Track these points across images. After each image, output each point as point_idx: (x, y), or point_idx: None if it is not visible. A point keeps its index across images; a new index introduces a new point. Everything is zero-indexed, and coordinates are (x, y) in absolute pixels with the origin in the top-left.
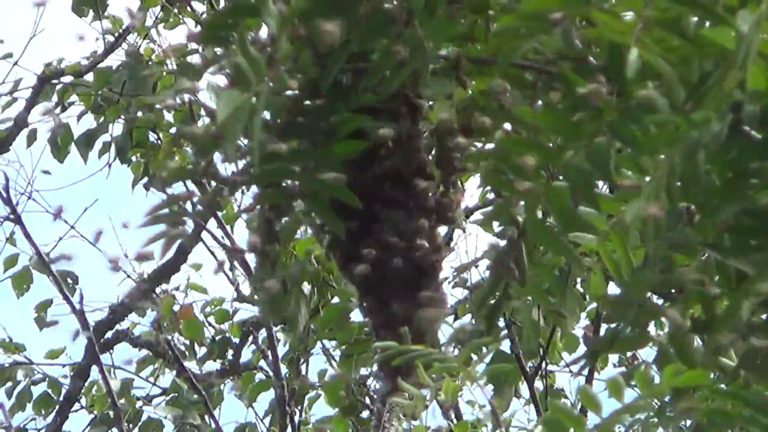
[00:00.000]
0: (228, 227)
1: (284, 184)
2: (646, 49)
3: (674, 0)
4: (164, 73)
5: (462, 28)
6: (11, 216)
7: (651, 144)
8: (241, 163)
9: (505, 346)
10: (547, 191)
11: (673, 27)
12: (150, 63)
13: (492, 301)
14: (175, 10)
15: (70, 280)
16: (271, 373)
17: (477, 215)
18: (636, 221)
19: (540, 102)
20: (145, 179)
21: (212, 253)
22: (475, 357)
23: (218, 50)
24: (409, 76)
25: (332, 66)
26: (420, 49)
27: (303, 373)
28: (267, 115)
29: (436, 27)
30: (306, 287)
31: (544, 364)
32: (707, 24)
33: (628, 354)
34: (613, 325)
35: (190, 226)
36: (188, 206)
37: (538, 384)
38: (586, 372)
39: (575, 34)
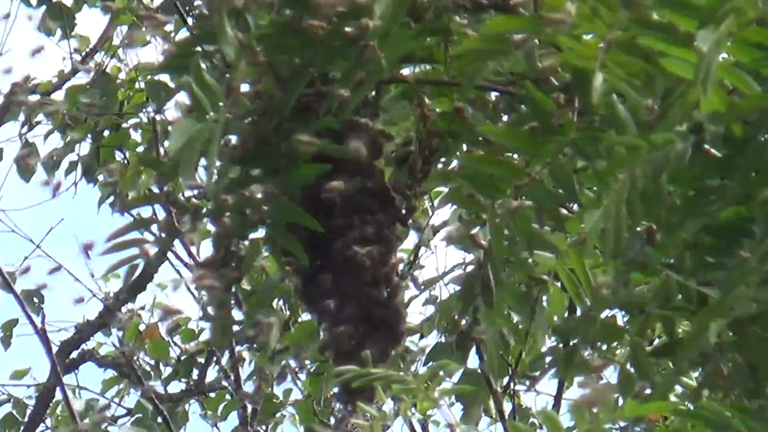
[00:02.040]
0: (195, 246)
1: (245, 212)
2: (610, 73)
3: (636, 23)
4: (130, 94)
5: (421, 51)
6: None
7: (616, 165)
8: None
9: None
10: (511, 210)
11: (636, 50)
12: (118, 81)
13: (462, 327)
14: (144, 29)
15: (35, 300)
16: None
17: (444, 232)
18: (595, 231)
19: (502, 121)
20: (111, 198)
21: (178, 273)
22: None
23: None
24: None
25: (293, 90)
26: (377, 69)
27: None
28: (233, 139)
29: (391, 44)
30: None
31: (512, 383)
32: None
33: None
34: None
35: (153, 249)
36: (154, 228)
37: (508, 403)
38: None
39: (537, 56)
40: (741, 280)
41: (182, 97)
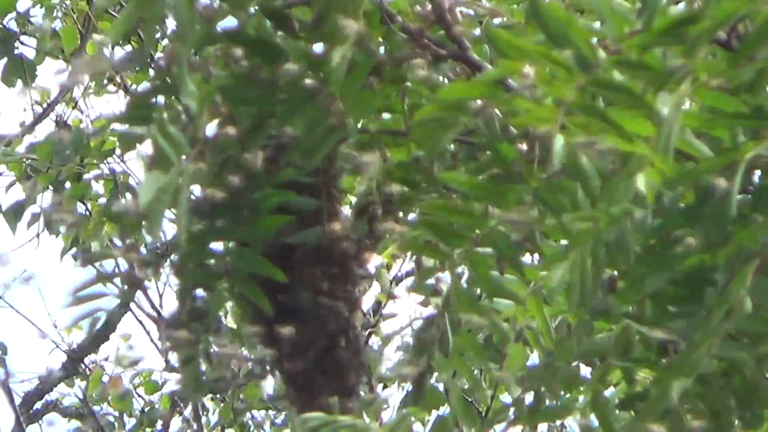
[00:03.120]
0: (157, 296)
1: (208, 263)
2: (571, 134)
3: (593, 84)
4: (103, 141)
5: (379, 102)
6: None
7: (576, 242)
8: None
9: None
10: (471, 257)
11: (594, 111)
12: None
13: (417, 372)
14: (104, 81)
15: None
16: None
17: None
18: (560, 286)
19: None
20: (74, 250)
21: (141, 324)
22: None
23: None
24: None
25: (254, 142)
26: (342, 124)
27: None
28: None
29: (357, 104)
30: None
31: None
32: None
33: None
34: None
35: (115, 301)
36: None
37: None
38: None
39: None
40: (705, 339)
41: (146, 148)
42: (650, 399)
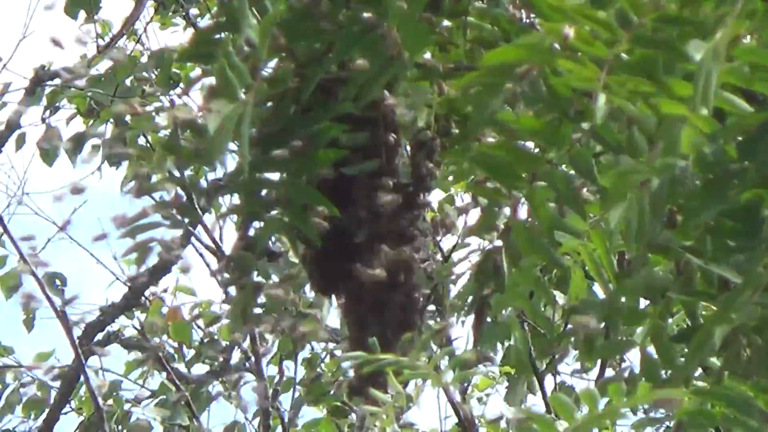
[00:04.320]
0: (218, 227)
1: (261, 193)
2: (613, 93)
3: (636, 41)
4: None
5: (438, 37)
6: None
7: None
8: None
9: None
10: (530, 196)
11: (637, 69)
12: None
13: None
14: (170, 13)
15: (57, 282)
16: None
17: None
18: (619, 225)
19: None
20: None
21: (201, 255)
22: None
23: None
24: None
25: (313, 75)
26: (399, 57)
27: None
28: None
29: (414, 37)
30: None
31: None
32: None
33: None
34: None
35: (174, 233)
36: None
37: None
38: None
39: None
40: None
41: (208, 81)
42: (705, 333)
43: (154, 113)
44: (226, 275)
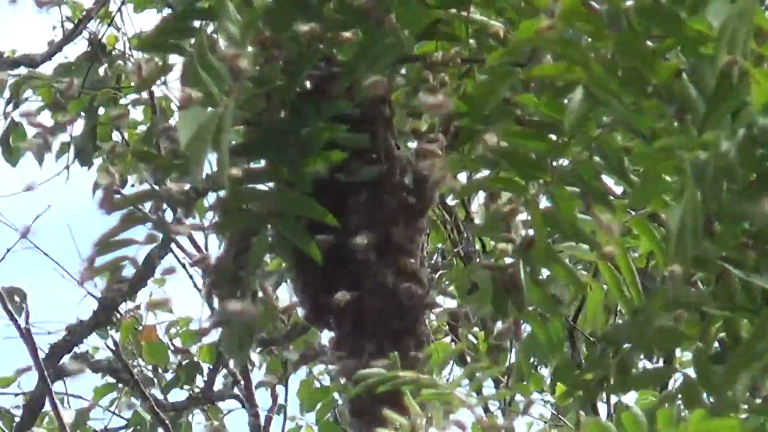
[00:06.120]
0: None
1: (249, 207)
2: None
3: None
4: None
5: (444, 28)
6: None
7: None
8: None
9: None
10: (553, 190)
11: (655, 13)
12: (113, 52)
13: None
14: None
15: (16, 298)
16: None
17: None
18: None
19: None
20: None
21: (182, 265)
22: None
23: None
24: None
25: (301, 70)
26: (397, 43)
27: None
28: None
29: (411, 15)
30: None
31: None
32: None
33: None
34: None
35: (146, 248)
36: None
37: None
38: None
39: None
40: None
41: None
42: (747, 350)
43: (130, 106)
44: (214, 291)
